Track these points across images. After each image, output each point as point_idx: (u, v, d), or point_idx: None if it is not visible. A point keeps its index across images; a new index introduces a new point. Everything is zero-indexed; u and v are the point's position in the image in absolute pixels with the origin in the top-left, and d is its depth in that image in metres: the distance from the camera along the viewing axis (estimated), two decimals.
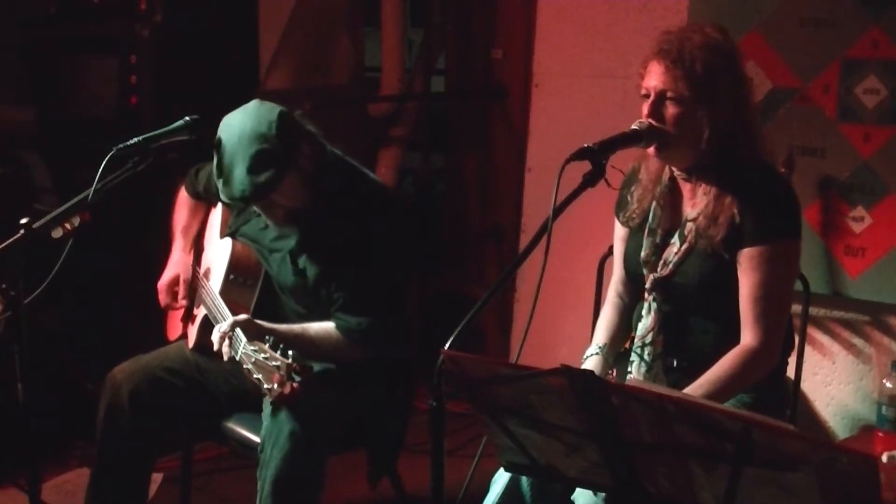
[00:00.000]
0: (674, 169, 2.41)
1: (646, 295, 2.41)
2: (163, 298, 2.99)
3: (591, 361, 2.45)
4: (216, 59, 3.93)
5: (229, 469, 3.55)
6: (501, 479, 2.33)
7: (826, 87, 3.23)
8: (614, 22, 3.89)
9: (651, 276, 2.39)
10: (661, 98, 2.27)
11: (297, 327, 2.65)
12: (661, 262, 2.38)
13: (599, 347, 2.48)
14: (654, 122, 2.27)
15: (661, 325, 2.38)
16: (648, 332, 2.39)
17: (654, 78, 2.27)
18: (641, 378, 2.39)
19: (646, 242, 2.42)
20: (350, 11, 4.81)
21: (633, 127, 2.27)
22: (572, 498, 2.30)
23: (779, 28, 3.30)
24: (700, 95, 2.25)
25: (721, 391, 2.24)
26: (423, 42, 5.01)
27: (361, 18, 4.91)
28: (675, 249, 2.37)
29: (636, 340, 2.42)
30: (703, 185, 2.34)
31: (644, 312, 2.41)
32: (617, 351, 2.51)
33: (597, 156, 2.13)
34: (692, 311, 2.37)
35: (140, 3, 3.80)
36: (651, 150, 2.31)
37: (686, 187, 2.40)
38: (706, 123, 2.26)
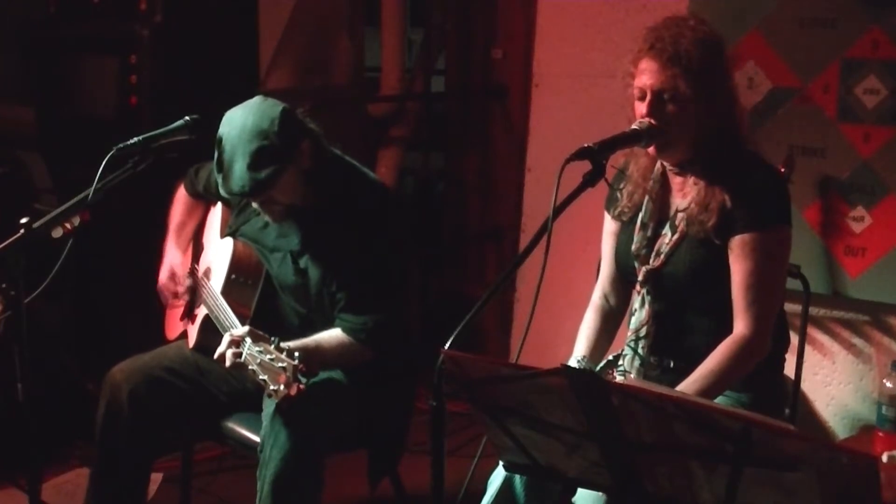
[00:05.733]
0: (665, 163, 2.41)
1: (638, 288, 2.40)
2: (165, 295, 2.99)
3: None
4: (216, 59, 3.93)
5: (229, 469, 3.55)
6: (496, 480, 2.33)
7: (826, 87, 3.23)
8: (614, 22, 3.89)
9: (643, 269, 2.39)
10: (658, 97, 2.26)
11: (308, 341, 2.60)
12: (654, 254, 2.38)
13: (578, 361, 2.47)
14: (654, 122, 2.27)
15: (655, 319, 2.38)
16: (642, 326, 2.39)
17: (650, 77, 2.26)
18: (633, 371, 2.40)
19: (637, 236, 2.41)
20: (350, 11, 4.81)
21: (633, 127, 2.27)
22: (574, 500, 2.30)
23: (779, 28, 3.30)
24: (699, 92, 2.24)
25: (716, 383, 2.24)
26: (423, 42, 5.01)
27: (361, 18, 4.91)
28: (666, 240, 2.37)
29: (629, 334, 2.42)
30: (694, 177, 2.34)
31: (637, 306, 2.41)
32: (598, 361, 2.50)
33: (597, 156, 2.12)
34: (686, 306, 2.37)
35: (140, 3, 3.80)
36: (651, 149, 2.31)
37: (676, 180, 2.40)
38: (703, 118, 2.26)
